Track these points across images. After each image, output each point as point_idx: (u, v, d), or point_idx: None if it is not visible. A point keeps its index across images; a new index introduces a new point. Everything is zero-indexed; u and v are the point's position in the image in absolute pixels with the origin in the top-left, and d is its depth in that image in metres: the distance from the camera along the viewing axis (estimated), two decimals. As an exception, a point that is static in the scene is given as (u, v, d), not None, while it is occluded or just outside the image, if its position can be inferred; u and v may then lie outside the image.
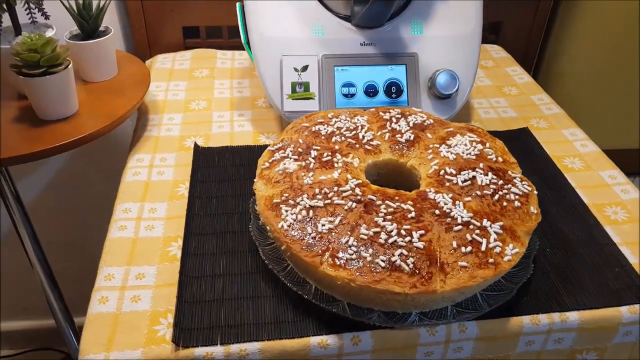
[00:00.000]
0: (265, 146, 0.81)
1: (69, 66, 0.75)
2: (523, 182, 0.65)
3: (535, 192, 0.64)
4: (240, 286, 0.61)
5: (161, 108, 0.92)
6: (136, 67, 0.91)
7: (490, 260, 0.54)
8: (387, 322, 0.54)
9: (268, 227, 0.60)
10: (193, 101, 0.94)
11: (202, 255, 0.65)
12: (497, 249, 0.55)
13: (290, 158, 0.66)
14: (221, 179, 0.76)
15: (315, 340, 0.55)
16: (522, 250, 0.57)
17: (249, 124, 0.89)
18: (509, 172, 0.66)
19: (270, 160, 0.67)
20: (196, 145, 0.82)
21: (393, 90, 0.84)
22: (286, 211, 0.59)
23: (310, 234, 0.56)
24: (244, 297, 0.60)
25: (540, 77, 1.26)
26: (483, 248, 0.55)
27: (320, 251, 0.55)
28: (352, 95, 0.83)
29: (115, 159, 1.01)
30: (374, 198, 0.60)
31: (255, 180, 0.65)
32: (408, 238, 0.55)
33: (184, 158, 0.81)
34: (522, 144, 0.86)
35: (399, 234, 0.55)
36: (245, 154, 0.82)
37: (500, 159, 0.68)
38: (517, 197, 0.62)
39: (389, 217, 0.57)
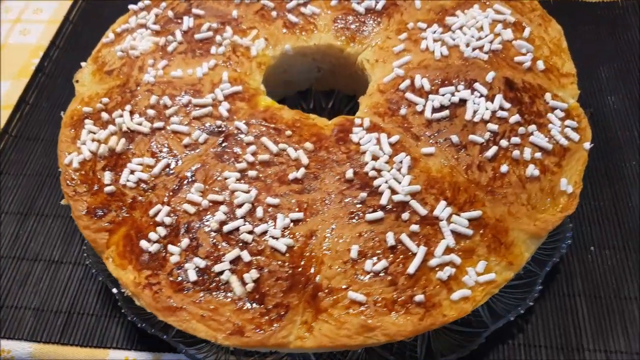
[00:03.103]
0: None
1: None
2: (567, 121, 0.32)
3: (588, 145, 0.32)
4: (44, 238, 0.38)
5: None
6: None
7: (419, 296, 0.26)
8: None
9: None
10: None
11: (13, 176, 0.42)
12: (446, 272, 0.26)
13: (148, 29, 0.38)
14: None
15: (114, 354, 0.33)
16: (505, 276, 0.28)
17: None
18: (547, 96, 0.33)
19: (119, 30, 0.39)
20: (84, -10, 0.55)
21: None
22: (89, 133, 0.33)
23: (106, 185, 0.31)
24: (41, 259, 0.37)
25: None
26: (413, 268, 0.26)
27: (111, 223, 0.30)
28: None
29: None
30: (243, 128, 0.31)
31: (83, 63, 0.38)
32: (263, 227, 0.27)
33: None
34: (617, 29, 0.49)
35: (249, 216, 0.28)
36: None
37: (540, 65, 0.34)
38: (538, 155, 0.30)
39: (253, 172, 0.29)
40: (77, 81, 0.37)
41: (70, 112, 0.35)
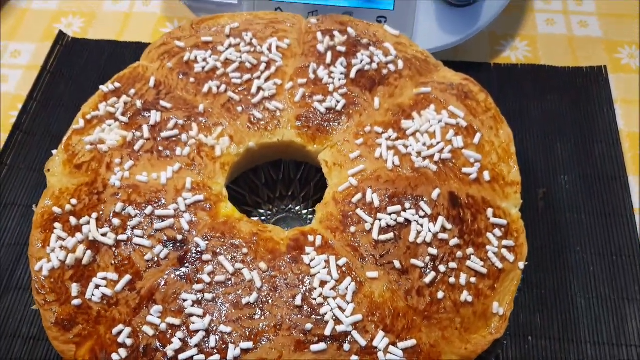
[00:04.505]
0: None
1: None
2: (505, 241, 0.35)
3: (522, 265, 0.34)
4: (22, 313, 0.41)
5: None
6: None
7: None
8: None
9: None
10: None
11: (-8, 244, 0.44)
12: (380, 402, 0.30)
13: (117, 120, 0.39)
14: (77, 102, 0.51)
15: None
16: (435, 400, 0.31)
17: (160, -1, 0.59)
18: (489, 212, 0.35)
19: (90, 116, 0.40)
20: (61, 35, 0.55)
21: (371, -21, 0.48)
22: (58, 240, 0.35)
23: (73, 298, 0.33)
24: (20, 335, 0.40)
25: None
26: (350, 399, 0.30)
27: (78, 337, 0.32)
28: (299, -19, 0.49)
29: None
30: (202, 245, 0.33)
31: (54, 151, 0.40)
32: (216, 357, 0.30)
33: (46, 54, 0.55)
34: (580, 101, 0.50)
35: (203, 344, 0.30)
36: (132, 56, 0.54)
37: (486, 175, 0.37)
38: (472, 279, 0.33)
39: (210, 294, 0.32)
40: (48, 170, 0.39)
41: (42, 211, 0.36)
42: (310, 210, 0.44)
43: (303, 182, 0.45)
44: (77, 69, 0.53)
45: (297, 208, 0.45)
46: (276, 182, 0.45)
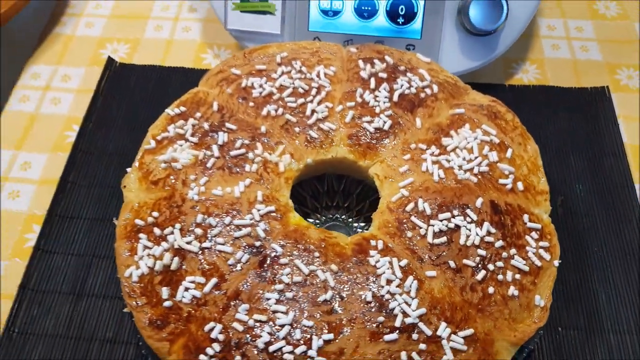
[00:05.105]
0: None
1: None
2: (541, 242, 0.40)
3: (557, 262, 0.39)
4: (97, 318, 0.45)
5: (90, -14, 0.66)
6: None
7: (425, 406, 0.34)
8: None
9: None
10: (135, -22, 0.67)
11: (62, 255, 0.47)
12: (447, 383, 0.34)
13: (188, 141, 0.43)
14: (131, 122, 0.55)
15: None
16: (491, 381, 0.35)
17: (198, 26, 0.63)
18: (525, 217, 0.40)
19: (160, 137, 0.44)
20: (110, 62, 0.59)
21: (401, 11, 0.54)
22: (144, 248, 0.39)
23: (164, 300, 0.37)
24: (97, 338, 0.44)
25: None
26: (421, 381, 0.34)
27: (170, 335, 0.36)
28: (336, 13, 0.54)
29: (13, 66, 0.62)
30: (278, 250, 0.38)
31: (129, 169, 0.44)
32: (302, 348, 0.34)
33: (96, 78, 0.58)
34: (587, 118, 0.56)
35: (290, 336, 0.35)
36: (177, 82, 0.58)
37: (520, 186, 0.42)
38: (517, 276, 0.38)
39: (290, 293, 0.36)
40: (124, 186, 0.43)
41: (124, 223, 0.40)
42: (355, 218, 0.49)
43: (345, 194, 0.50)
44: (126, 92, 0.57)
45: (343, 217, 0.49)
46: (321, 193, 0.50)
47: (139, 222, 0.40)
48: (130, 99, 0.56)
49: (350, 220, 0.49)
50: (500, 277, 0.37)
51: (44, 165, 0.53)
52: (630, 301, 0.45)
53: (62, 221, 0.49)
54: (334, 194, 0.50)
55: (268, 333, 0.35)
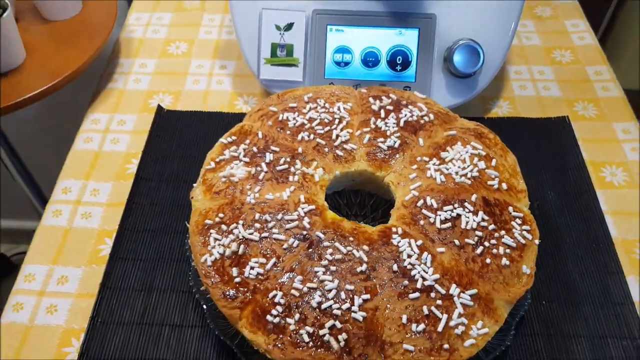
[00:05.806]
0: (240, 115, 0.69)
1: (7, 11, 0.63)
2: (524, 227, 0.51)
3: (537, 241, 0.51)
4: (166, 308, 0.54)
5: (135, 50, 0.79)
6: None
7: (445, 345, 0.43)
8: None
9: (192, 256, 0.51)
10: (173, 42, 0.81)
11: (132, 261, 0.57)
12: (460, 329, 0.44)
13: (241, 160, 0.54)
14: (180, 155, 0.66)
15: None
16: (493, 329, 0.45)
17: (229, 80, 0.76)
18: (510, 209, 0.52)
19: (217, 159, 0.55)
20: (160, 109, 0.71)
21: (399, 60, 0.67)
22: (215, 240, 0.49)
23: (234, 277, 0.47)
24: (167, 324, 0.53)
25: (608, 42, 1.01)
26: (440, 328, 0.44)
27: (241, 303, 0.46)
28: (347, 64, 0.68)
29: (76, 114, 0.78)
30: (321, 236, 0.48)
31: (195, 184, 0.54)
32: (347, 305, 0.44)
33: (147, 122, 0.70)
34: (553, 141, 0.69)
35: (336, 297, 0.45)
36: (215, 123, 0.70)
37: (504, 186, 0.53)
38: (507, 250, 0.49)
39: (333, 267, 0.46)
40: (192, 197, 0.53)
41: (195, 223, 0.51)
42: (370, 224, 0.60)
43: (361, 205, 0.61)
44: (174, 131, 0.68)
45: (361, 223, 0.60)
46: (342, 205, 0.61)
47: (208, 221, 0.50)
48: (178, 137, 0.68)
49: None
50: (494, 251, 0.48)
51: (109, 191, 0.63)
52: (598, 279, 0.56)
53: (130, 234, 0.59)
54: (352, 205, 0.61)
55: (319, 296, 0.45)
